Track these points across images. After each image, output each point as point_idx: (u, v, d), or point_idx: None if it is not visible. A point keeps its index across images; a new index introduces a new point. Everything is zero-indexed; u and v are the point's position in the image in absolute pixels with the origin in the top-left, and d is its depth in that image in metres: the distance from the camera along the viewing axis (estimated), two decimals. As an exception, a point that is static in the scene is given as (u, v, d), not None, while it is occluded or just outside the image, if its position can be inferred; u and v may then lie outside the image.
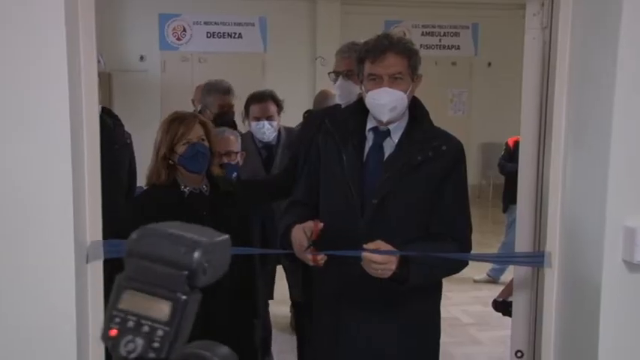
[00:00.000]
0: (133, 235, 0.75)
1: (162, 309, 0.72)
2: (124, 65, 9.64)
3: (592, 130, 1.94)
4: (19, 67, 1.76)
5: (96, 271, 1.90)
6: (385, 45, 2.15)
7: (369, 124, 2.26)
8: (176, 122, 2.67)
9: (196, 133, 2.64)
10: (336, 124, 2.31)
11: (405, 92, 2.17)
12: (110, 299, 0.74)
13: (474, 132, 10.75)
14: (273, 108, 3.86)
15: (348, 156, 2.22)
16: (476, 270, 6.29)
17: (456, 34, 10.69)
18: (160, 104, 9.29)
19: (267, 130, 3.80)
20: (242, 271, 2.64)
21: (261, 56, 10.11)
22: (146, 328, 0.72)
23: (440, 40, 10.65)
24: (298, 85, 9.46)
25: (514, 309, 2.28)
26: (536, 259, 2.10)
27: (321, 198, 2.32)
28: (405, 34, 10.51)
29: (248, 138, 3.88)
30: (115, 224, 2.83)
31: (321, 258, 2.10)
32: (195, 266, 0.72)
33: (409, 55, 2.18)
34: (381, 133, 2.23)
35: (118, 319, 0.73)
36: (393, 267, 2.01)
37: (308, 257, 2.11)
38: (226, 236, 0.78)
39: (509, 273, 4.58)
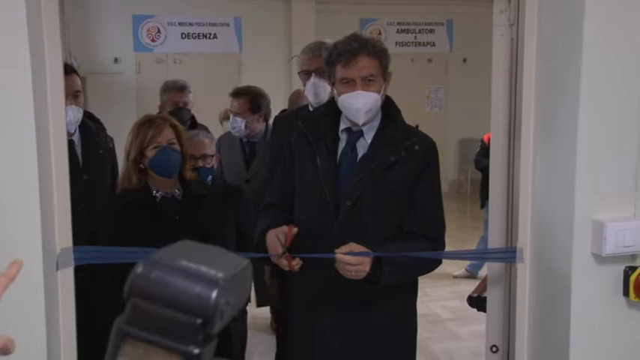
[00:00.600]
0: (138, 269, 0.62)
1: None
2: (99, 68, 9.54)
3: (560, 126, 1.96)
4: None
5: (66, 279, 1.88)
6: (356, 47, 2.13)
7: (342, 125, 2.26)
8: (146, 125, 2.63)
9: (166, 136, 2.61)
10: (308, 126, 2.29)
11: (379, 93, 2.17)
12: (108, 349, 0.62)
13: (451, 128, 10.82)
14: (244, 105, 3.96)
15: (322, 157, 2.21)
16: (455, 266, 6.33)
17: (431, 31, 10.74)
18: (136, 106, 9.21)
19: (237, 125, 3.93)
20: None
21: (236, 56, 10.06)
22: None
23: (415, 37, 10.69)
24: (274, 85, 9.39)
25: (488, 304, 2.29)
26: (508, 255, 2.12)
27: (296, 200, 2.31)
28: (380, 32, 10.55)
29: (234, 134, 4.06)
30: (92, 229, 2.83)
31: (296, 263, 2.10)
32: (211, 311, 0.59)
33: (380, 55, 2.18)
34: (354, 134, 2.23)
35: None
36: (367, 268, 2.01)
37: (283, 263, 2.11)
38: (246, 262, 0.65)
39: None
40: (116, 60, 9.85)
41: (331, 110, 2.29)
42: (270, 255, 2.15)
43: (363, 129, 2.22)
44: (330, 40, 3.05)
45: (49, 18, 1.86)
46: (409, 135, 2.24)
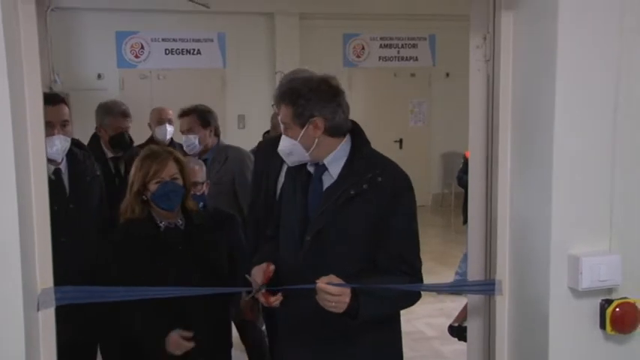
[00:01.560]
0: None
1: None
2: (82, 84, 9.50)
3: (535, 161, 1.99)
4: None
5: (47, 319, 1.88)
6: (275, 94, 2.27)
7: None
8: (149, 159, 2.70)
9: (169, 171, 2.68)
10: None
11: (296, 139, 2.19)
12: None
13: (434, 142, 10.88)
14: (194, 122, 4.17)
15: (297, 191, 2.26)
16: (440, 280, 6.35)
17: (414, 46, 10.81)
18: (120, 122, 9.18)
19: (190, 143, 4.13)
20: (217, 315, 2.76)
21: (220, 72, 10.08)
22: None
23: (398, 52, 10.76)
24: (258, 100, 9.45)
25: (469, 334, 2.31)
26: (487, 288, 2.14)
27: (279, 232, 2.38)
28: (363, 47, 10.61)
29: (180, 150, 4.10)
30: (90, 259, 2.82)
31: (275, 299, 2.14)
32: None
33: (292, 103, 2.18)
34: (320, 167, 2.24)
35: None
36: (347, 299, 2.01)
37: (261, 299, 2.17)
38: None
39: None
40: (99, 76, 9.82)
41: None
42: (252, 289, 2.21)
43: (325, 162, 2.22)
44: (308, 68, 3.09)
45: (28, 48, 1.83)
46: (374, 166, 2.19)
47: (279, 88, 2.31)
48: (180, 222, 2.75)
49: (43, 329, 1.87)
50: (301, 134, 2.18)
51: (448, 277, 6.51)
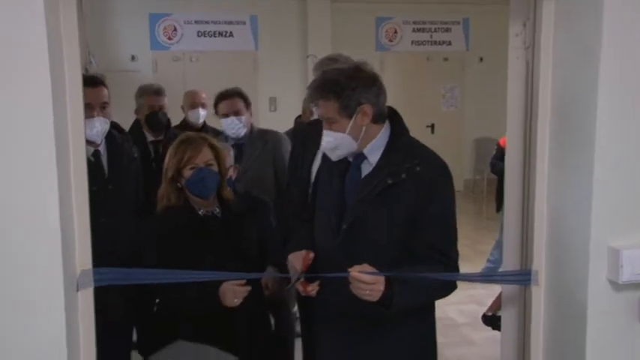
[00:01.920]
0: None
1: None
2: (116, 66, 9.59)
3: (576, 150, 1.95)
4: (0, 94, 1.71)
5: (86, 300, 1.92)
6: (311, 94, 2.19)
7: None
8: (183, 145, 2.65)
9: (204, 157, 2.62)
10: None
11: (343, 132, 2.14)
12: None
13: (466, 127, 10.78)
14: (239, 103, 3.98)
15: (334, 180, 2.25)
16: (471, 269, 6.31)
17: (447, 30, 10.68)
18: (153, 104, 9.27)
19: (235, 125, 3.91)
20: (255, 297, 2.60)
21: (252, 54, 10.09)
22: None
23: (431, 36, 10.65)
24: (290, 83, 9.46)
25: (503, 324, 2.30)
26: (523, 278, 2.11)
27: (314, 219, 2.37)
28: (395, 30, 10.51)
29: (221, 138, 3.95)
30: (129, 241, 2.83)
31: (312, 289, 2.13)
32: None
33: (336, 96, 2.12)
34: (359, 155, 2.22)
35: None
36: (382, 287, 2.00)
37: (299, 289, 2.16)
38: None
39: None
40: (133, 58, 9.91)
41: None
42: (290, 276, 2.21)
43: (364, 151, 2.20)
44: (345, 54, 3.07)
45: (67, 30, 1.86)
46: (412, 156, 2.17)
47: (314, 83, 2.21)
48: (217, 210, 2.69)
49: (82, 309, 1.91)
50: (350, 125, 2.14)
51: (479, 264, 6.47)
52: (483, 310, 5.12)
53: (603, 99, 1.85)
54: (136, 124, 4.28)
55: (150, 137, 4.19)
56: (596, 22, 1.84)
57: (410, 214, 2.13)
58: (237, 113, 3.93)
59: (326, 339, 2.31)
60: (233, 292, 2.41)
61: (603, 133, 1.87)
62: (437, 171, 2.18)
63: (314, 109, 3.10)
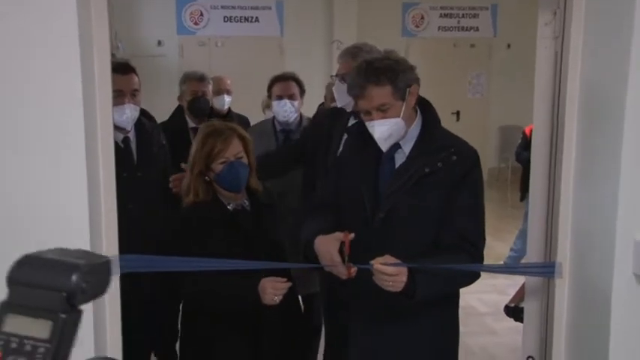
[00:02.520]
0: (14, 265, 0.81)
1: (43, 328, 0.77)
2: (143, 50, 9.66)
3: (603, 142, 1.93)
4: (32, 79, 1.75)
5: (113, 286, 1.94)
6: (361, 82, 2.12)
7: None
8: (212, 137, 2.52)
9: (234, 149, 2.51)
10: (353, 136, 2.36)
11: (398, 116, 2.14)
12: None
13: (492, 114, 10.68)
14: (295, 88, 3.88)
15: (364, 167, 2.24)
16: (494, 258, 6.29)
17: (475, 16, 10.56)
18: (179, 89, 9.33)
19: (288, 109, 3.78)
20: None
21: (278, 40, 10.08)
22: (28, 347, 0.76)
23: (458, 22, 10.54)
24: (315, 69, 9.43)
25: (525, 316, 2.29)
26: (547, 270, 2.10)
27: (341, 209, 2.33)
28: (422, 16, 10.42)
29: (268, 122, 3.97)
30: (156, 228, 2.83)
31: (354, 271, 2.10)
32: (73, 287, 0.78)
33: (390, 80, 2.12)
34: (394, 146, 2.22)
35: (1, 342, 0.77)
36: (404, 279, 2.01)
37: (343, 271, 2.10)
38: (106, 259, 0.86)
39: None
40: (159, 43, 9.97)
41: None
42: (323, 265, 2.15)
43: (400, 141, 2.21)
44: (370, 43, 3.06)
45: (97, 15, 1.88)
46: (447, 145, 2.20)
47: (361, 71, 2.15)
48: (247, 203, 2.59)
49: (108, 296, 1.94)
50: (404, 107, 2.14)
51: (503, 253, 6.44)
52: (505, 299, 5.10)
53: (633, 91, 1.82)
54: (179, 110, 4.28)
55: (192, 123, 4.15)
56: (629, 13, 1.81)
57: (443, 202, 2.15)
58: (291, 97, 3.81)
59: (353, 327, 2.31)
60: (274, 288, 2.31)
61: (631, 126, 1.83)
62: (471, 160, 2.20)
63: (337, 86, 3.07)
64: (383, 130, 2.15)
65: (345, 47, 3.17)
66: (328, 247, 2.12)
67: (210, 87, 4.29)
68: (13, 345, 0.77)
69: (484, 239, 2.22)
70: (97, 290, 0.82)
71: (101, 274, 0.84)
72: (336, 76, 3.07)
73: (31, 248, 1.75)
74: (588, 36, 1.99)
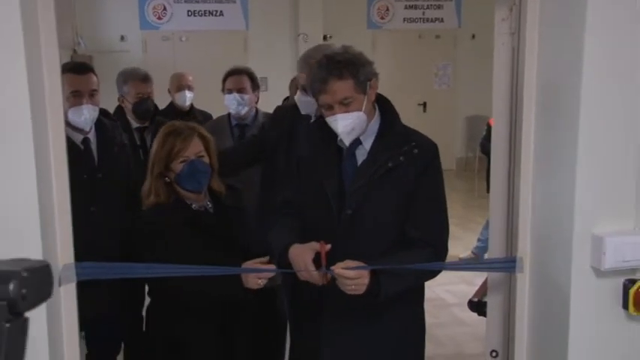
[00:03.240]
0: None
1: None
2: (105, 46, 9.53)
3: (560, 138, 1.94)
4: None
5: (69, 294, 1.90)
6: (323, 75, 2.12)
7: None
8: (172, 136, 2.47)
9: (194, 148, 2.46)
10: (312, 134, 2.36)
11: (360, 110, 2.15)
12: None
13: (459, 105, 10.76)
14: (246, 82, 3.92)
15: (326, 165, 2.24)
16: (461, 248, 6.35)
17: (439, 7, 10.62)
18: (143, 85, 9.21)
19: (237, 102, 3.83)
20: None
21: (243, 34, 10.02)
22: None
23: (423, 13, 10.59)
24: (281, 63, 9.39)
25: (488, 310, 2.30)
26: (508, 265, 2.11)
27: (305, 207, 2.32)
28: (387, 8, 10.44)
29: (224, 118, 3.99)
30: (119, 230, 2.75)
31: (329, 277, 2.10)
32: (12, 295, 0.78)
33: (352, 74, 2.12)
34: (354, 142, 2.23)
35: None
36: (366, 281, 2.03)
37: (318, 280, 2.10)
38: (45, 263, 0.86)
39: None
40: (122, 38, 9.85)
41: None
42: (297, 271, 2.15)
43: (360, 137, 2.21)
44: (332, 43, 3.06)
45: (45, 18, 1.80)
46: (408, 139, 2.22)
47: (323, 66, 2.14)
48: (209, 205, 2.54)
49: (64, 304, 1.89)
50: (365, 101, 2.15)
51: (470, 242, 6.51)
52: (473, 289, 5.12)
53: (587, 86, 1.84)
54: (119, 110, 4.13)
55: (135, 124, 4.08)
56: (581, 9, 1.82)
57: (407, 196, 2.17)
58: (240, 91, 3.87)
59: (324, 327, 2.29)
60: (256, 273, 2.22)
61: (587, 121, 1.85)
62: (432, 153, 2.23)
63: (299, 98, 3.09)
64: (346, 124, 2.14)
65: (304, 51, 3.15)
66: (304, 257, 2.12)
67: (152, 86, 4.19)
68: None
69: (447, 230, 2.25)
70: (39, 295, 0.83)
71: (41, 279, 0.84)
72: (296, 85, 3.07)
73: (-20, 261, 1.69)
74: (544, 32, 2.00)
